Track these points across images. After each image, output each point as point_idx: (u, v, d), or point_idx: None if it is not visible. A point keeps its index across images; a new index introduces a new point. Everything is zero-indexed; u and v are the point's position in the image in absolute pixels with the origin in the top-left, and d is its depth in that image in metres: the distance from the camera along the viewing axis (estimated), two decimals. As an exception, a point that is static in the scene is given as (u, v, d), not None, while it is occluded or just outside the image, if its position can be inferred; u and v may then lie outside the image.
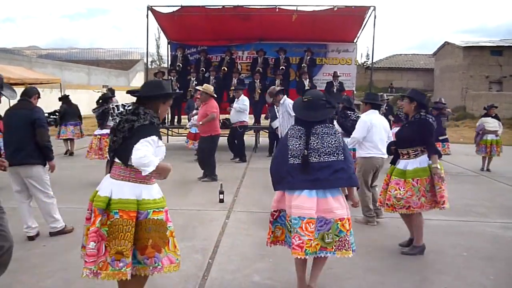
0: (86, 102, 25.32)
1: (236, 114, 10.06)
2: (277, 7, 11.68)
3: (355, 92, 14.07)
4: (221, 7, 11.94)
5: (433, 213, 5.24)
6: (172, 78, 12.50)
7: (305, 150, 3.16)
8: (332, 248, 3.15)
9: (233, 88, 11.93)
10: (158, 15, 12.45)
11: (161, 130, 12.18)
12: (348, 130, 6.09)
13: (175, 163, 9.79)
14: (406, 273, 3.97)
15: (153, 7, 12.02)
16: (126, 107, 2.75)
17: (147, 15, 11.99)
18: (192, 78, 12.37)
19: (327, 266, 3.99)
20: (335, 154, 3.17)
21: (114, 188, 2.69)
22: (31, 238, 4.64)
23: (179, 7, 11.83)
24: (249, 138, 13.88)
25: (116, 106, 2.80)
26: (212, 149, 7.80)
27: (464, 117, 23.94)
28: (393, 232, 5.05)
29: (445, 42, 29.98)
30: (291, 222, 3.15)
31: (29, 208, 4.72)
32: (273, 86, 8.63)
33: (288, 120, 7.60)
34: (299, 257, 3.11)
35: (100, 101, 7.81)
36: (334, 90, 12.14)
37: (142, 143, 2.59)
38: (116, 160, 2.77)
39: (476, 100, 25.59)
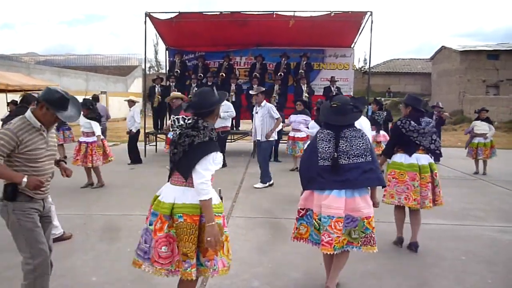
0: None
1: (220, 119, 10.08)
2: (274, 13, 11.73)
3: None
4: (218, 13, 11.98)
5: (431, 217, 5.27)
6: (171, 84, 12.54)
7: (335, 153, 3.37)
8: (358, 243, 3.37)
9: (233, 93, 11.99)
10: (156, 22, 12.48)
11: (159, 135, 12.11)
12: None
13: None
14: (404, 277, 3.98)
15: (151, 14, 12.05)
16: (186, 120, 2.84)
17: (145, 22, 12.00)
18: (193, 84, 12.39)
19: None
20: (363, 156, 3.37)
21: (177, 194, 2.81)
22: (29, 245, 4.64)
23: (177, 13, 11.87)
24: (247, 144, 13.92)
25: (177, 118, 2.88)
26: None
27: (462, 121, 24.03)
28: (392, 237, 5.05)
29: (442, 46, 30.13)
30: (320, 220, 3.35)
31: (27, 215, 4.72)
32: (260, 86, 8.83)
33: (269, 123, 7.74)
34: (328, 253, 3.33)
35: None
36: (333, 95, 12.17)
37: (204, 165, 2.73)
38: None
39: (473, 104, 25.66)
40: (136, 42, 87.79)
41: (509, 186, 8.40)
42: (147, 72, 27.25)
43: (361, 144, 3.38)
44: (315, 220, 3.40)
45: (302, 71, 12.60)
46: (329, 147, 3.41)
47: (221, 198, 6.37)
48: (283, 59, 12.81)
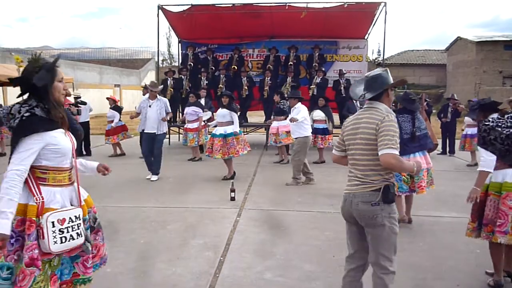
0: (98, 101, 25.64)
1: None
2: (287, 4, 11.65)
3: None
4: (231, 5, 11.95)
5: (447, 210, 5.21)
6: (183, 77, 12.54)
7: (413, 128, 5.01)
8: (428, 184, 5.19)
9: (246, 87, 11.95)
10: (168, 14, 12.48)
11: (172, 128, 12.13)
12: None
13: (187, 162, 9.89)
14: (418, 270, 3.95)
15: (163, 6, 12.06)
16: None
17: (158, 14, 12.03)
18: (202, 78, 12.37)
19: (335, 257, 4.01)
20: (425, 129, 5.11)
21: None
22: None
23: (190, 6, 11.85)
24: (260, 136, 13.90)
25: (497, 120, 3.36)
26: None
27: (478, 113, 23.63)
28: (405, 228, 5.02)
29: (458, 37, 29.60)
30: (409, 175, 4.91)
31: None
32: (153, 80, 8.92)
33: (164, 115, 8.03)
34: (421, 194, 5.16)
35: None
36: (342, 88, 12.04)
37: None
38: None
39: (489, 95, 25.12)
40: (149, 35, 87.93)
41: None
42: (160, 65, 27.33)
43: (424, 122, 5.14)
44: (404, 176, 4.96)
45: (316, 64, 12.52)
46: (409, 125, 5.03)
47: (234, 191, 6.36)
48: (292, 51, 12.71)
